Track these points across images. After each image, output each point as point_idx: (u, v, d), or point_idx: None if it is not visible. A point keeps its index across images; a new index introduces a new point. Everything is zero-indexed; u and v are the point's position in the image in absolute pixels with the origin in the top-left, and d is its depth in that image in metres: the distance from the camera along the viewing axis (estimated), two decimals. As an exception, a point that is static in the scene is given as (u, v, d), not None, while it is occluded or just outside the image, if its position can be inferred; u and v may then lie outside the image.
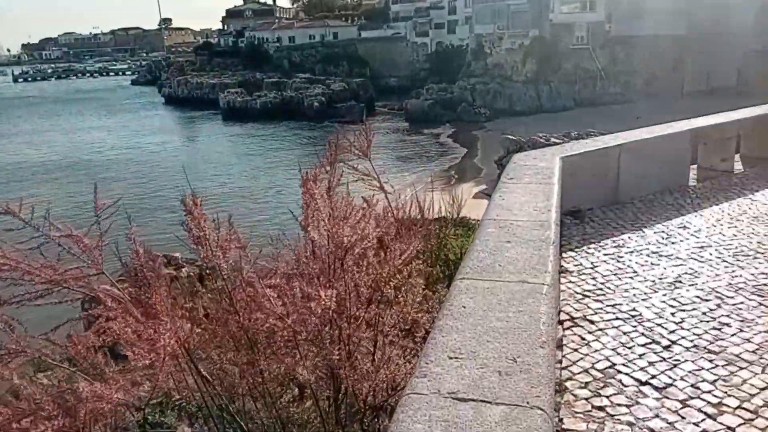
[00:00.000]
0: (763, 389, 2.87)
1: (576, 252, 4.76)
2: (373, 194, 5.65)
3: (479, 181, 28.42)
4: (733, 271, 4.26)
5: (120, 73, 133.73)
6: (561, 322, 3.55)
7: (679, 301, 3.81)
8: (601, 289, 4.06)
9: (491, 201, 4.25)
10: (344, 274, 3.01)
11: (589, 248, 4.85)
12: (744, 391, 2.86)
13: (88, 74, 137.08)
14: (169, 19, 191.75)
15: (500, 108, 47.05)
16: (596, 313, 3.68)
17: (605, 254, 4.70)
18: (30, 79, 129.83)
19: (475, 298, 2.58)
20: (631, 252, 4.73)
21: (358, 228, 3.23)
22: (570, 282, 4.17)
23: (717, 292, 3.94)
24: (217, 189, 28.95)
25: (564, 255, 4.65)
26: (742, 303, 3.77)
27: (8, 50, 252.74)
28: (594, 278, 4.23)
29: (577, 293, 3.99)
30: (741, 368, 3.05)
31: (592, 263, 4.51)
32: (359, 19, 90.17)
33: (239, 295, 3.18)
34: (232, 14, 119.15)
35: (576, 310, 3.74)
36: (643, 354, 3.18)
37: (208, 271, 5.40)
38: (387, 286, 3.13)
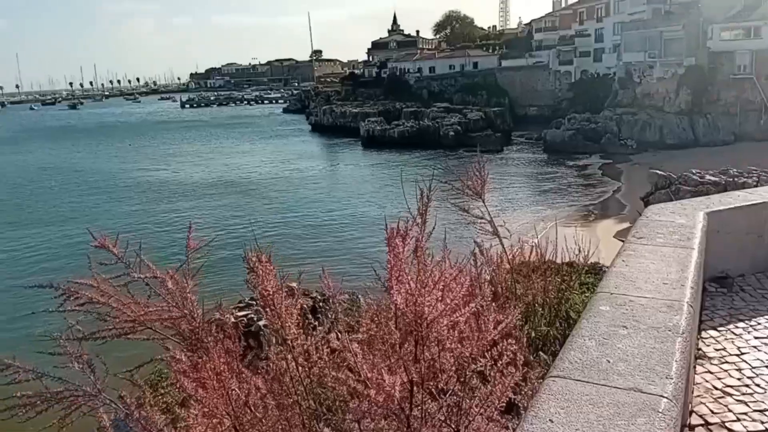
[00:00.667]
0: None
1: (719, 332, 3.95)
2: (485, 240, 5.21)
3: (622, 219, 26.44)
4: None
5: (274, 101, 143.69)
6: (692, 428, 2.88)
7: None
8: (748, 386, 3.28)
9: (611, 267, 3.64)
10: (422, 351, 2.63)
11: (737, 328, 4.00)
12: None
13: (245, 101, 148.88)
14: (320, 51, 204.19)
15: (649, 140, 43.90)
16: (739, 420, 2.96)
17: (757, 337, 3.84)
18: (195, 105, 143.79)
19: (568, 408, 2.08)
20: (794, 337, 3.83)
21: (448, 296, 2.84)
22: (708, 372, 3.43)
23: None
24: (343, 214, 29.79)
25: (703, 335, 3.88)
26: None
27: (179, 78, 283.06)
28: (740, 370, 3.44)
29: (716, 389, 3.25)
30: None
31: (738, 348, 3.70)
32: (500, 48, 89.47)
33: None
34: (377, 46, 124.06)
35: (712, 412, 3.03)
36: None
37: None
38: (472, 366, 2.70)
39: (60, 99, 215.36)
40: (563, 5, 76.49)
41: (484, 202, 4.70)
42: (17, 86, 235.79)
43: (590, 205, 29.64)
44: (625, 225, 24.76)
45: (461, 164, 44.88)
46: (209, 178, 43.99)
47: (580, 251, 7.29)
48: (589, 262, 6.98)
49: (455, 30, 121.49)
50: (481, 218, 5.16)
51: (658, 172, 27.37)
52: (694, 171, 25.99)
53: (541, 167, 41.71)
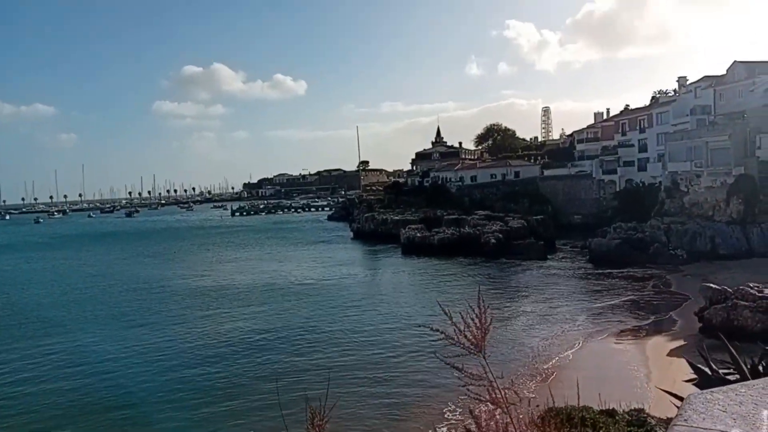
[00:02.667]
0: None
1: None
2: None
3: (674, 336, 24.57)
4: None
5: (320, 209, 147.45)
6: None
7: None
8: None
9: None
10: None
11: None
12: None
13: (293, 209, 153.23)
14: (367, 162, 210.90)
15: (700, 250, 42.08)
16: None
17: None
18: (245, 213, 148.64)
19: None
20: None
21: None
22: None
23: None
24: (381, 322, 28.74)
25: None
26: None
27: (232, 188, 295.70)
28: None
29: None
30: None
31: None
32: (542, 158, 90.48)
33: None
34: (421, 156, 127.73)
35: None
36: None
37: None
38: None
39: (118, 207, 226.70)
40: (604, 117, 77.74)
41: (484, 357, 3.91)
42: (80, 195, 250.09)
43: (639, 319, 27.83)
44: (679, 343, 22.95)
45: (502, 272, 43.85)
46: (255, 283, 44.09)
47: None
48: (631, 408, 5.95)
49: (497, 141, 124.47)
50: (480, 377, 4.17)
51: (712, 285, 25.72)
52: (751, 285, 24.32)
53: (586, 278, 40.12)
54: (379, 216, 73.87)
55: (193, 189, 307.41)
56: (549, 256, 49.71)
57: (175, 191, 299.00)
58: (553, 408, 4.94)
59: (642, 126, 62.76)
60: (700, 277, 33.28)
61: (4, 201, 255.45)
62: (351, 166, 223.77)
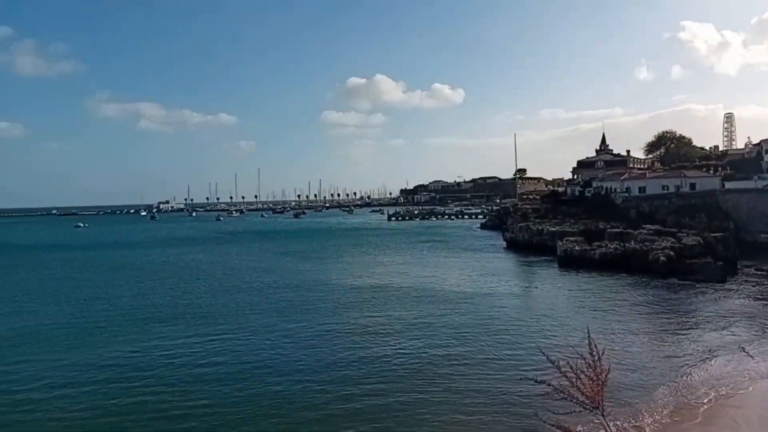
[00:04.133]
0: None
1: None
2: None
3: None
4: None
5: (473, 217, 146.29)
6: None
7: None
8: None
9: None
10: None
11: None
12: None
13: (446, 216, 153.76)
14: (524, 170, 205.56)
15: None
16: None
17: None
18: (400, 218, 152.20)
19: None
20: None
21: None
22: None
23: None
24: (531, 340, 27.51)
25: None
26: None
27: (390, 193, 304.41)
28: None
29: None
30: None
31: None
32: (723, 169, 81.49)
33: None
34: (583, 165, 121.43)
35: None
36: None
37: None
38: None
39: (288, 208, 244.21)
40: (803, 122, 67.94)
41: (603, 414, 3.34)
42: (256, 196, 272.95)
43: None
44: None
45: (671, 294, 39.93)
46: (401, 287, 44.90)
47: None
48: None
49: (670, 150, 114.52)
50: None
51: None
52: None
53: (775, 305, 35.15)
54: (535, 226, 71.31)
55: (354, 193, 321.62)
56: (728, 279, 44.40)
57: (338, 195, 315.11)
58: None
59: None
60: None
61: (192, 200, 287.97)
62: (507, 174, 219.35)
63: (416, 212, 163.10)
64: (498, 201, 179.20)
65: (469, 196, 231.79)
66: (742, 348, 25.81)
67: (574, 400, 4.04)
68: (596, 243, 55.30)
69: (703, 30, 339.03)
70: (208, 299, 41.89)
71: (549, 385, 4.42)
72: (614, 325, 30.57)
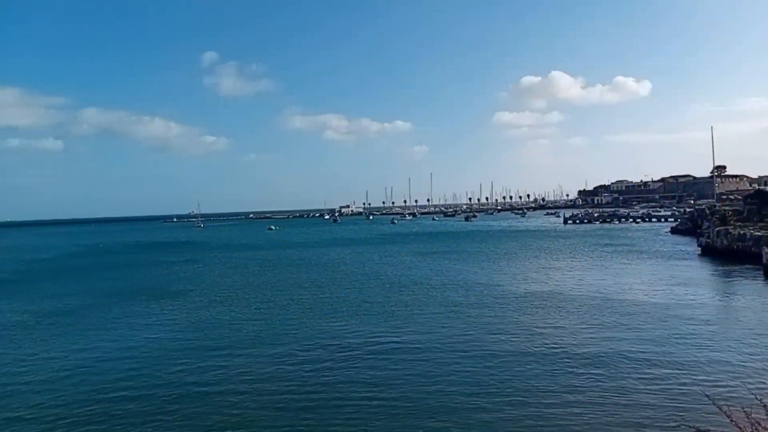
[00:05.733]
0: None
1: None
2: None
3: None
4: None
5: (662, 220, 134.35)
6: None
7: None
8: None
9: None
10: None
11: None
12: None
13: (630, 219, 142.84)
14: (723, 167, 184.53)
15: None
16: None
17: None
18: (578, 221, 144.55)
19: None
20: None
21: None
22: None
23: None
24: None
25: None
26: None
27: (567, 195, 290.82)
28: None
29: None
30: None
31: None
32: None
33: None
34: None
35: None
36: None
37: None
38: None
39: (459, 212, 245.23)
40: None
41: None
42: (428, 200, 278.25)
43: None
44: None
45: None
46: (575, 294, 42.53)
47: None
48: None
49: None
50: None
51: None
52: None
53: None
54: (736, 230, 63.13)
55: (528, 195, 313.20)
56: None
57: (511, 197, 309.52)
58: None
59: None
60: None
61: (370, 204, 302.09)
62: (703, 172, 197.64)
63: (596, 215, 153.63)
64: (692, 202, 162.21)
65: (657, 196, 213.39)
66: None
67: None
68: (815, 251, 47.34)
69: None
70: (381, 297, 43.41)
71: None
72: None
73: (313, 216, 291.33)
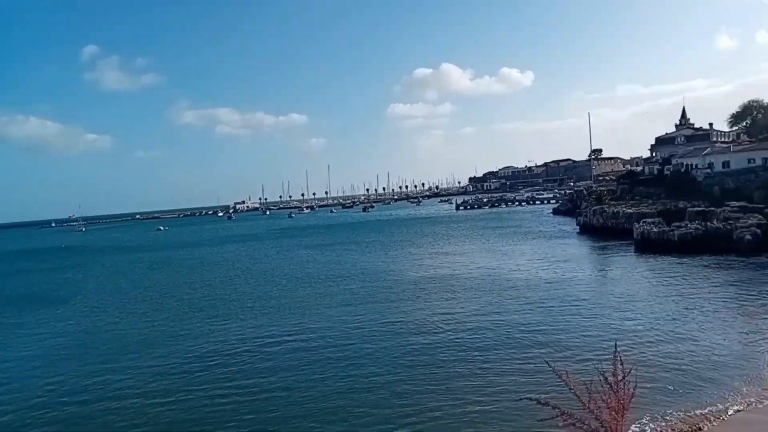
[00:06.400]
0: None
1: None
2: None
3: None
4: None
5: (545, 202, 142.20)
6: None
7: None
8: None
9: None
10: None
11: None
12: None
13: (517, 202, 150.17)
14: (599, 150, 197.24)
15: None
16: None
17: None
18: (469, 207, 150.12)
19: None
20: None
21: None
22: None
23: None
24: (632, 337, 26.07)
25: None
26: None
27: (459, 182, 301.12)
28: None
29: None
30: None
31: None
32: (820, 137, 74.82)
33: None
34: (661, 141, 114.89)
35: None
36: None
37: None
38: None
39: (357, 203, 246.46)
40: None
41: None
42: (326, 192, 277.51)
43: None
44: None
45: (757, 274, 36.84)
46: (471, 275, 43.98)
47: None
48: None
49: (757, 121, 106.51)
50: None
51: None
52: None
53: None
54: (609, 209, 68.10)
55: (423, 184, 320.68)
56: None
57: (407, 187, 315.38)
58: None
59: None
60: None
61: (266, 199, 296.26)
62: (582, 156, 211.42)
63: (485, 200, 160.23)
64: (572, 184, 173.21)
65: (541, 180, 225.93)
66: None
67: (585, 426, 3.42)
68: (675, 224, 52.01)
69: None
70: (277, 292, 42.61)
71: (556, 408, 3.78)
72: (693, 312, 28.45)
73: (207, 214, 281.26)
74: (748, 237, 44.67)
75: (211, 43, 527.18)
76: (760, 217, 48.06)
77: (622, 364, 4.27)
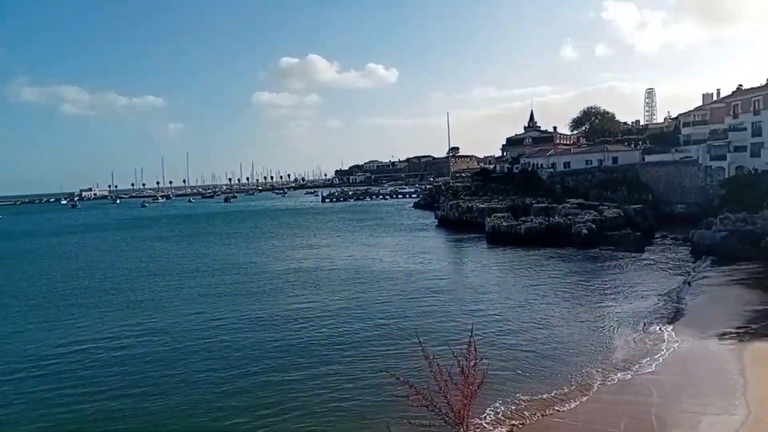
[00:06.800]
0: None
1: None
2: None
3: (787, 342, 21.45)
4: None
5: (407, 196, 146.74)
6: None
7: None
8: None
9: None
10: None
11: None
12: None
13: (381, 196, 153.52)
14: (457, 148, 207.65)
15: (825, 246, 37.18)
16: None
17: None
18: (334, 199, 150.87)
19: None
20: None
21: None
22: None
23: None
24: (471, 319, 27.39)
25: None
26: None
27: (325, 174, 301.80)
28: None
29: None
30: None
31: None
32: (644, 143, 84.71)
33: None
34: (512, 142, 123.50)
35: None
36: None
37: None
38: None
39: (219, 193, 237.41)
40: (714, 99, 71.39)
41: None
42: (184, 181, 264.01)
43: (744, 320, 24.62)
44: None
45: (592, 264, 40.94)
46: (337, 268, 44.08)
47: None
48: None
49: (594, 125, 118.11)
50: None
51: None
52: None
53: (686, 273, 36.49)
54: (465, 204, 71.88)
55: (288, 176, 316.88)
56: (647, 248, 46.08)
57: (272, 178, 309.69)
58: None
59: (757, 108, 56.49)
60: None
61: (116, 186, 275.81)
62: (442, 153, 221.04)
63: (351, 193, 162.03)
64: (432, 180, 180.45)
65: (404, 175, 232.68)
66: (655, 319, 26.54)
67: (436, 410, 3.44)
68: (522, 218, 56.17)
69: (625, 9, 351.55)
70: (126, 286, 39.76)
71: (412, 387, 3.76)
72: (539, 299, 30.86)
73: (48, 201, 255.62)
74: (585, 231, 49.35)
75: (53, 11, 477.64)
76: (595, 213, 53.35)
77: (475, 350, 4.39)
